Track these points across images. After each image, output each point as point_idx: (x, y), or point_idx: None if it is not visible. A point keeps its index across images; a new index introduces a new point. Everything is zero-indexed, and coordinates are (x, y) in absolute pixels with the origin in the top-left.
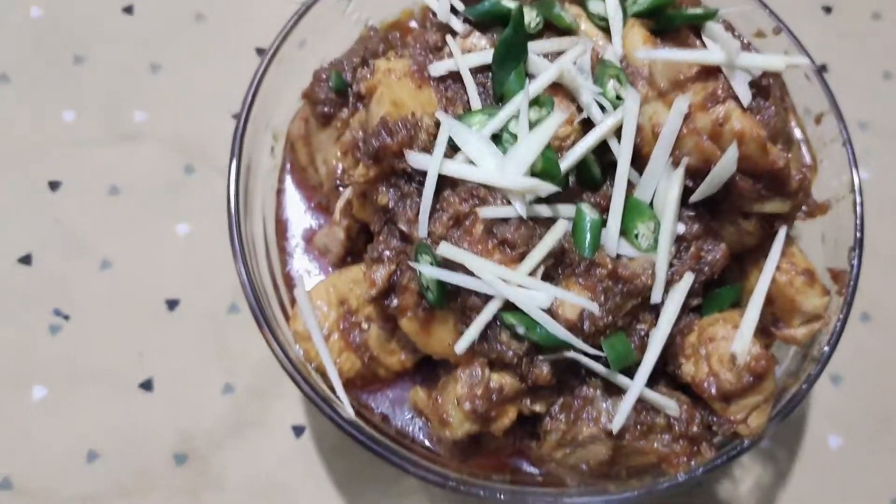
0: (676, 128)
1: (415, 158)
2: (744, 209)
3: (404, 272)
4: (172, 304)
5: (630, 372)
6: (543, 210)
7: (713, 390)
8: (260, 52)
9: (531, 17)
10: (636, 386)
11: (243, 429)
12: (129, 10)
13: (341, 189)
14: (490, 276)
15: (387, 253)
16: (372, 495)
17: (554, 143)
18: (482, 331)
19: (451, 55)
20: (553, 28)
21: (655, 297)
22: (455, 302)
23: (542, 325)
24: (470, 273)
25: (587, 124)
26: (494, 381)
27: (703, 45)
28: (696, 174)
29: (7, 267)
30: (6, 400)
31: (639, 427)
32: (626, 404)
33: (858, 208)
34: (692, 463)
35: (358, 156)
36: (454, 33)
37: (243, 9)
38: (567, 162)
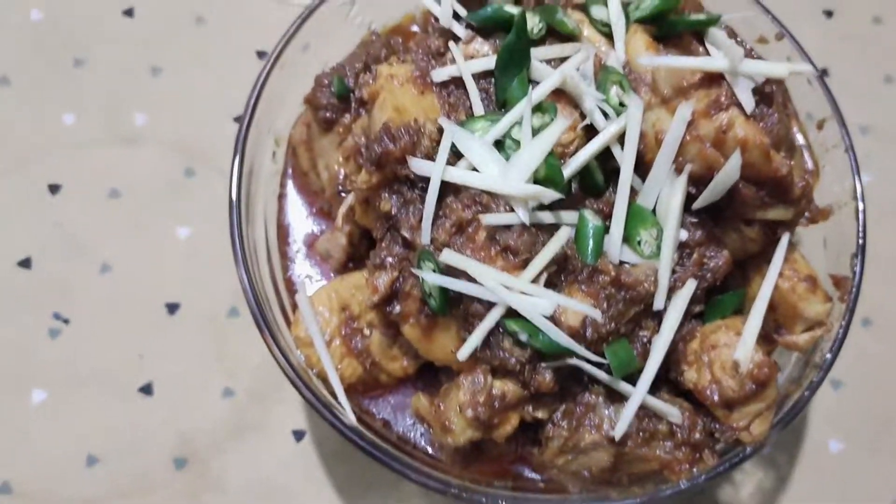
0: (680, 135)
1: (417, 165)
2: (747, 216)
3: (407, 279)
4: (173, 308)
5: (632, 379)
6: (546, 217)
7: (716, 397)
8: (260, 54)
9: (534, 23)
10: (638, 393)
11: (243, 433)
12: (129, 12)
13: (343, 195)
14: (493, 282)
15: (389, 259)
16: (372, 501)
17: (557, 150)
18: (485, 338)
19: (453, 61)
20: (556, 34)
21: (658, 304)
22: (457, 309)
23: (544, 333)
24: (473, 280)
25: (590, 131)
26: (497, 388)
27: (706, 51)
28: (699, 181)
29: (7, 270)
30: (6, 403)
31: (641, 434)
32: (629, 411)
33: (860, 215)
34: (694, 470)
35: (360, 162)
36: (456, 39)
37: (243, 11)
38: (570, 168)
